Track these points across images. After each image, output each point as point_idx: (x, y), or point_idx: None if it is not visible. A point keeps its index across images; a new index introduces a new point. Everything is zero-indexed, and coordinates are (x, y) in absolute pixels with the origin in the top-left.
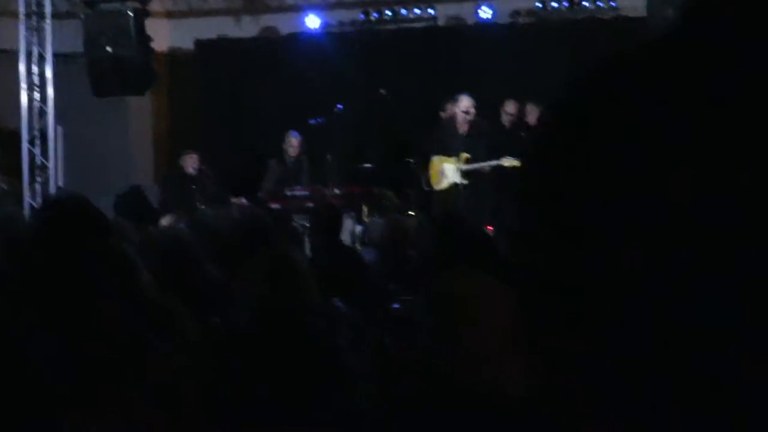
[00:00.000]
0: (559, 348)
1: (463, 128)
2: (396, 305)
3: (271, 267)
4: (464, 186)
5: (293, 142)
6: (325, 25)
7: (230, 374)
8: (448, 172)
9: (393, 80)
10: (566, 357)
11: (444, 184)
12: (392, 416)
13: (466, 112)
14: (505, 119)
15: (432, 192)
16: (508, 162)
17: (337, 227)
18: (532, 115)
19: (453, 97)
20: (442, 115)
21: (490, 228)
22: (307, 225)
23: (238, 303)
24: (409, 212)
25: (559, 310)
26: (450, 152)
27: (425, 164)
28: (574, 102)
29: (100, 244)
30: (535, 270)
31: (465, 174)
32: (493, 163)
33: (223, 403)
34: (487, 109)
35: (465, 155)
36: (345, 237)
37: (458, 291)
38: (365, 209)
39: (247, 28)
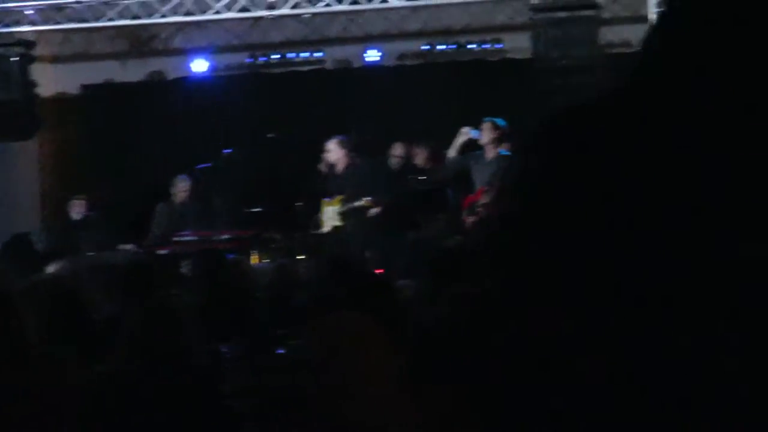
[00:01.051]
0: (446, 398)
1: (339, 170)
2: (280, 350)
3: (146, 313)
4: (343, 227)
5: (181, 186)
6: (212, 68)
7: (113, 419)
8: (330, 214)
9: (282, 123)
10: (454, 408)
11: (327, 227)
12: None
13: (332, 154)
14: (393, 162)
15: (319, 236)
16: (365, 202)
17: (221, 271)
18: (420, 156)
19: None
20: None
21: (380, 270)
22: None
23: (116, 349)
24: (299, 256)
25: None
26: (330, 195)
27: (313, 208)
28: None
29: None
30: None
31: (342, 216)
32: (356, 204)
33: None
34: (376, 151)
35: (339, 197)
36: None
37: (335, 334)
38: (254, 253)
39: (133, 72)
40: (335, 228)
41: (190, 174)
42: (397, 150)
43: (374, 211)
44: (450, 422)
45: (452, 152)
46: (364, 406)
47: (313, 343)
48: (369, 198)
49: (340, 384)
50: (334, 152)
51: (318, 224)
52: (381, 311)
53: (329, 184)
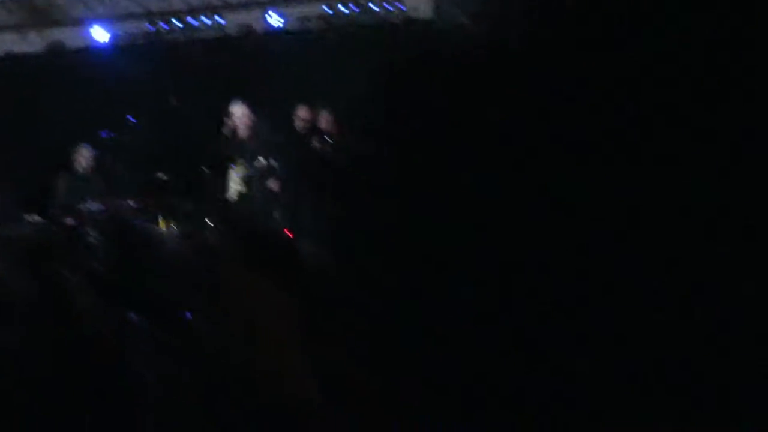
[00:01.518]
0: (335, 353)
1: (243, 135)
2: (188, 315)
3: (40, 284)
4: (246, 193)
5: (84, 154)
6: (113, 37)
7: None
8: (234, 180)
9: (185, 91)
10: (342, 362)
11: (232, 192)
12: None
13: (237, 119)
14: (299, 125)
15: (224, 201)
16: (258, 163)
17: (129, 240)
18: (325, 121)
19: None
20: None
21: (288, 232)
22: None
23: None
24: (207, 221)
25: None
26: (234, 161)
27: (218, 173)
28: (371, 110)
29: None
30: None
31: (244, 181)
32: (255, 167)
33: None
34: (281, 116)
35: (241, 162)
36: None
37: (230, 292)
38: (161, 220)
39: (33, 43)
40: (240, 194)
41: (93, 144)
42: (302, 113)
43: (271, 180)
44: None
45: None
46: (261, 360)
47: (212, 307)
48: (262, 159)
49: (241, 347)
50: (237, 116)
51: (224, 189)
52: (281, 273)
53: (232, 149)
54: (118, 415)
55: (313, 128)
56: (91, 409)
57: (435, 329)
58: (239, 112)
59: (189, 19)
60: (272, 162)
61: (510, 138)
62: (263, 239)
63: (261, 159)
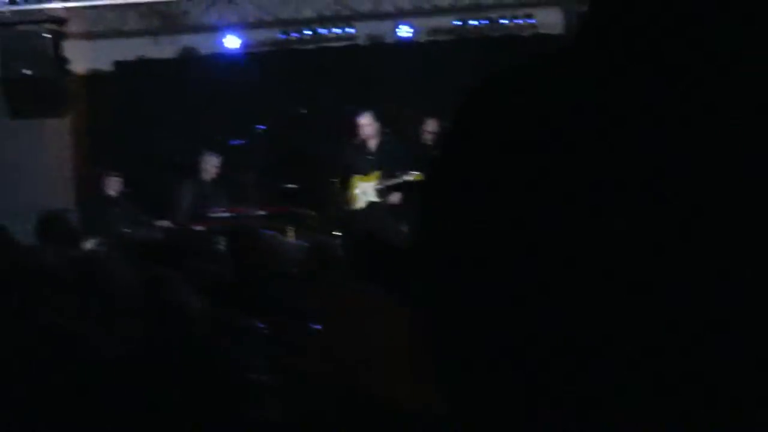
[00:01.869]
0: (459, 365)
1: (371, 145)
2: (316, 326)
3: (151, 290)
4: (380, 203)
5: (212, 162)
6: (244, 45)
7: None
8: (365, 190)
9: (314, 100)
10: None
11: (362, 203)
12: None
13: (366, 129)
14: (427, 137)
15: (352, 212)
16: (412, 177)
17: (256, 248)
18: None
19: (357, 117)
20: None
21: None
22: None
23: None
24: (334, 232)
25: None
26: (363, 171)
27: (346, 184)
28: (473, 113)
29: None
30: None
31: (379, 192)
32: (400, 179)
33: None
34: (408, 127)
35: (377, 173)
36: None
37: (339, 304)
38: (289, 230)
39: (166, 49)
40: (371, 204)
41: (222, 151)
42: (430, 126)
43: (398, 191)
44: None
45: None
46: (380, 380)
47: (328, 317)
48: (417, 172)
49: (356, 358)
50: (367, 127)
51: (351, 200)
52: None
53: (361, 160)
54: (224, 415)
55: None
56: (198, 408)
57: (558, 340)
58: (367, 123)
59: (320, 28)
60: (399, 173)
61: (638, 158)
62: (388, 251)
63: (395, 170)
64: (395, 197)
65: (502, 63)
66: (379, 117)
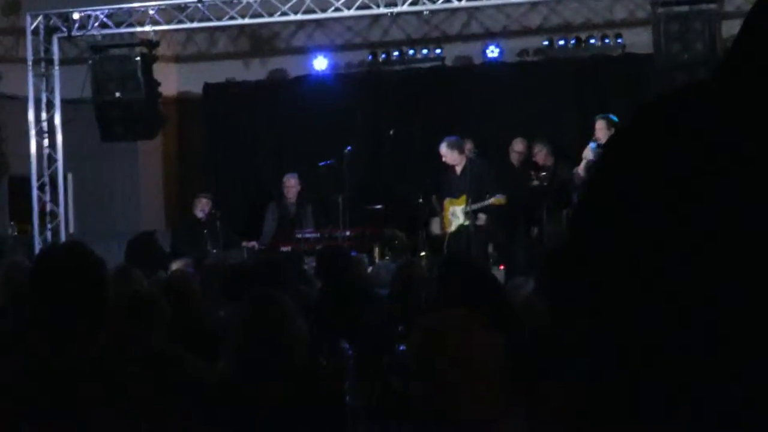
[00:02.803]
0: (552, 397)
1: (458, 169)
2: (403, 347)
3: (254, 308)
4: (468, 226)
5: (290, 182)
6: (333, 66)
7: (226, 419)
8: (457, 213)
9: (402, 121)
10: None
11: (454, 226)
12: None
13: (445, 158)
14: (514, 157)
15: (445, 234)
16: (495, 200)
17: (345, 269)
18: (540, 154)
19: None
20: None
21: (503, 267)
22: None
23: (223, 348)
24: (422, 253)
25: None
26: (454, 194)
27: (440, 207)
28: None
29: (95, 290)
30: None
31: (468, 214)
32: (486, 202)
33: None
34: (495, 147)
35: (463, 196)
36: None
37: (439, 330)
38: (377, 250)
39: (255, 71)
40: (460, 226)
41: (310, 172)
42: (518, 146)
43: (485, 214)
44: (555, 421)
45: (581, 171)
46: (469, 404)
47: (417, 342)
48: (500, 195)
49: (444, 383)
50: (448, 155)
51: (441, 223)
52: (491, 310)
53: (449, 183)
54: None
55: (528, 161)
56: None
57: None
58: (448, 151)
59: (408, 49)
60: (500, 196)
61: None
62: (474, 275)
63: (482, 193)
64: (482, 220)
65: (589, 84)
66: (457, 142)
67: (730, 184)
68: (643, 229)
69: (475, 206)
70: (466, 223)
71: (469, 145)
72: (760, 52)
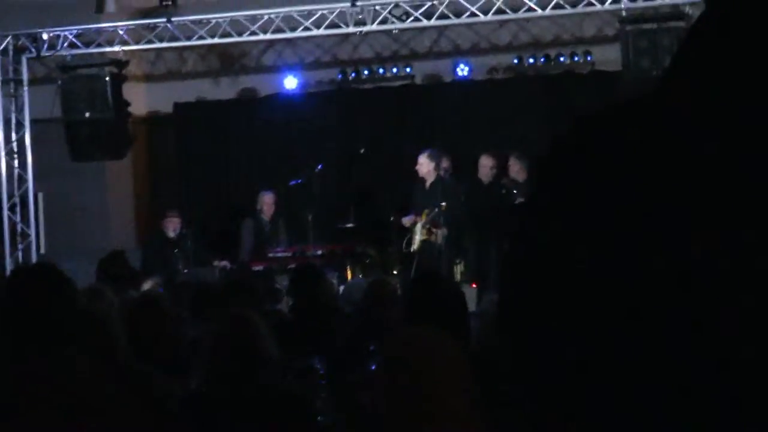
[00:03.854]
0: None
1: (427, 183)
2: (374, 366)
3: (225, 328)
4: (429, 240)
5: (267, 200)
6: (303, 85)
7: None
8: (417, 230)
9: (372, 138)
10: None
11: (416, 243)
12: None
13: (421, 168)
14: (483, 173)
15: (411, 252)
16: (443, 206)
17: (317, 287)
18: (514, 167)
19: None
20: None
21: (474, 285)
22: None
23: (195, 365)
24: (393, 271)
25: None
26: (420, 209)
27: (412, 224)
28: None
29: (66, 309)
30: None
31: (426, 230)
32: (434, 212)
33: None
34: (467, 165)
35: (425, 211)
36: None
37: (405, 350)
38: (348, 268)
39: (225, 89)
40: (422, 242)
41: (281, 190)
42: (485, 161)
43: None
44: None
45: None
46: (436, 422)
47: (385, 360)
48: (443, 203)
49: (411, 401)
50: (425, 165)
51: (410, 241)
52: (457, 328)
53: (418, 199)
54: None
55: (499, 175)
56: None
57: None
58: (427, 161)
59: (378, 68)
60: (443, 204)
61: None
62: (439, 291)
63: (444, 207)
64: (439, 237)
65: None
66: (436, 155)
67: (677, 198)
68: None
69: (428, 219)
70: (424, 237)
71: (445, 164)
72: (703, 59)
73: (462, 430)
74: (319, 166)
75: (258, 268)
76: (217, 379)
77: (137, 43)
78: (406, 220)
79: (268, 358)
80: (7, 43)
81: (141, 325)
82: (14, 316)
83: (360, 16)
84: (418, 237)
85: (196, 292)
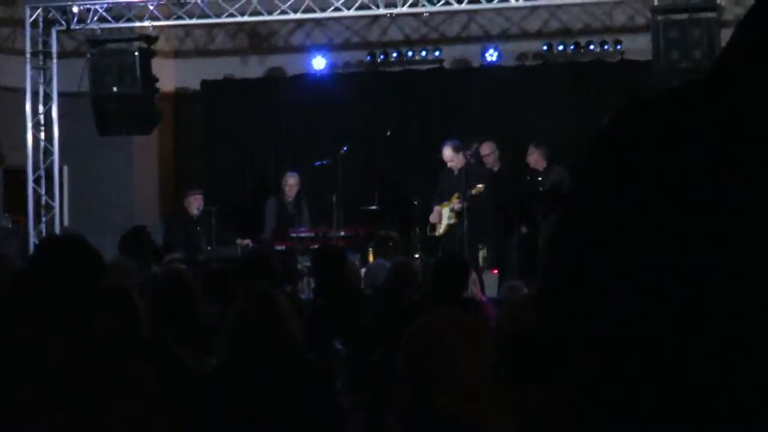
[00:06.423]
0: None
1: (455, 171)
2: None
3: (251, 305)
4: (456, 225)
5: (291, 181)
6: (330, 65)
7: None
8: (444, 215)
9: (399, 122)
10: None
11: (443, 228)
12: None
13: (450, 160)
14: (488, 161)
15: (436, 237)
16: (475, 190)
17: (341, 268)
18: (532, 156)
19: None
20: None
21: (495, 271)
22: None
23: (218, 342)
24: (415, 255)
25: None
26: (446, 197)
27: (430, 207)
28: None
29: (92, 282)
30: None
31: (455, 213)
32: (467, 196)
33: None
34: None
35: (455, 195)
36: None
37: (430, 331)
38: (370, 251)
39: (253, 68)
40: (449, 226)
41: (306, 171)
42: (485, 149)
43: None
44: (543, 423)
45: None
46: (458, 403)
47: (408, 342)
48: (481, 185)
49: (433, 381)
50: (449, 156)
51: (433, 227)
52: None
53: (445, 185)
54: None
55: (524, 164)
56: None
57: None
58: (451, 152)
59: (407, 50)
60: (480, 186)
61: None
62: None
63: (472, 193)
64: (466, 215)
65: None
66: (460, 146)
67: (728, 185)
68: (639, 233)
69: (459, 203)
70: (452, 221)
71: (488, 149)
72: (755, 48)
73: (488, 410)
74: (344, 148)
75: (280, 247)
76: (240, 356)
77: (167, 18)
78: (433, 217)
79: (291, 337)
80: (37, 15)
81: (165, 299)
82: (42, 286)
83: None
84: (444, 221)
85: (205, 274)
